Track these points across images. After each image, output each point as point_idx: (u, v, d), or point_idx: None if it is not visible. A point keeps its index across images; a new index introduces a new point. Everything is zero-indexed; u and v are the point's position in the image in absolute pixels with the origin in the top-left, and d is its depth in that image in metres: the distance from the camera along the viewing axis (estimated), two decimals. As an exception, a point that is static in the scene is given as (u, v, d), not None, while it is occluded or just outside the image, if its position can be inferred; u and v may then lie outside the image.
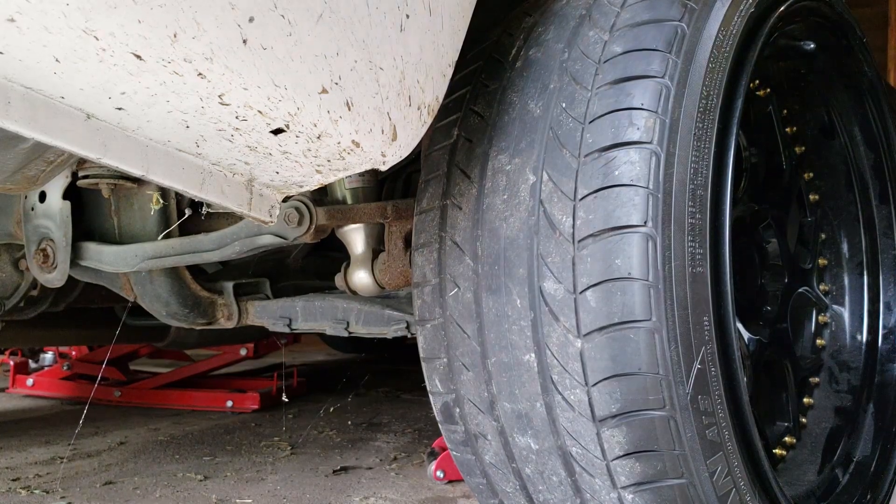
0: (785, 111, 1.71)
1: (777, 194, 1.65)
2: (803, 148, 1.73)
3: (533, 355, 1.03)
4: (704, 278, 1.00)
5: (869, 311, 1.71)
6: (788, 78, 1.66)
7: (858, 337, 1.71)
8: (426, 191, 1.18)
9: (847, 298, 1.73)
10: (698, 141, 1.01)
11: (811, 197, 1.76)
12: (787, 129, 1.72)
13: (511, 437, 1.11)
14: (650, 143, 0.98)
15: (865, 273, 1.72)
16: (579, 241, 0.99)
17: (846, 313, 1.73)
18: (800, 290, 1.68)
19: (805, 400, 1.69)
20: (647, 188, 0.96)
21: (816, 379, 1.71)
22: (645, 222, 0.95)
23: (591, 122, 1.02)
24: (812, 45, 1.57)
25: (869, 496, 1.51)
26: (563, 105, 1.06)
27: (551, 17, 1.18)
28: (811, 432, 1.66)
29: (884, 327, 1.69)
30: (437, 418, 1.21)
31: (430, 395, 1.20)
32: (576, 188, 1.00)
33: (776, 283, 1.65)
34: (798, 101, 1.70)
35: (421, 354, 1.18)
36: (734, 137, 1.09)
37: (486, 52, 1.22)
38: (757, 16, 1.17)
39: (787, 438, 1.61)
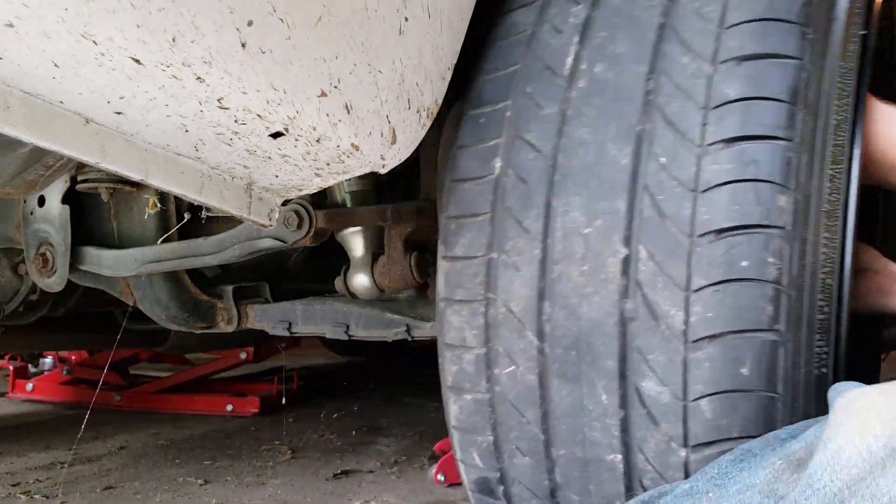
0: None
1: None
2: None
3: (620, 456, 0.90)
4: (826, 382, 0.84)
5: None
6: None
7: None
8: (461, 234, 0.98)
9: None
10: (829, 219, 0.83)
11: None
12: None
13: None
14: (782, 227, 0.80)
15: None
16: (693, 342, 0.83)
17: None
18: None
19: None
20: (778, 285, 0.80)
21: None
22: (776, 326, 0.80)
23: (704, 191, 0.82)
24: None
25: None
26: (662, 161, 0.85)
27: (613, 16, 0.93)
28: None
29: None
30: (468, 486, 1.07)
31: (459, 464, 1.06)
32: (689, 276, 0.83)
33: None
34: None
35: (452, 423, 1.04)
36: (856, 201, 0.88)
37: (522, 46, 0.98)
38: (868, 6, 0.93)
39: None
